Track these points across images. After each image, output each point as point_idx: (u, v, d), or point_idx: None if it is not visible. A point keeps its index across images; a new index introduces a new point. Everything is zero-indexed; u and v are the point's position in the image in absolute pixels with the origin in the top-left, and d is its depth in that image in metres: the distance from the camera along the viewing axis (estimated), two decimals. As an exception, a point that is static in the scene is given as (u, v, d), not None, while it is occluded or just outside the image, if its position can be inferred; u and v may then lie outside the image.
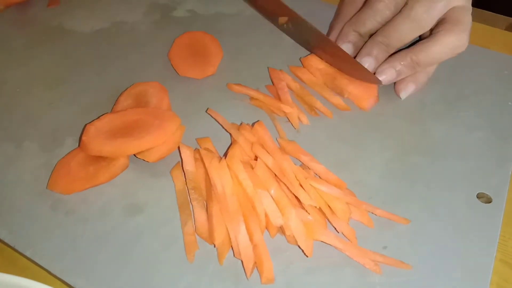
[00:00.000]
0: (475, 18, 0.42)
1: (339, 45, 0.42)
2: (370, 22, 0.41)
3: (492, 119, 0.40)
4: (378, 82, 0.40)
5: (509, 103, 0.41)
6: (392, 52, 0.40)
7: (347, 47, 0.42)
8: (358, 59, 0.40)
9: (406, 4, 0.40)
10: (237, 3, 0.52)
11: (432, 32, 0.40)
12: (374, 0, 0.41)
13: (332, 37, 0.44)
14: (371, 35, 0.41)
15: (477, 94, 0.42)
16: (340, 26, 0.44)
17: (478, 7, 0.54)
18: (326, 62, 0.43)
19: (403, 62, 0.39)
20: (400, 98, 0.41)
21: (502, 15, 0.53)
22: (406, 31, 0.39)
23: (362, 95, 0.40)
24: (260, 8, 0.50)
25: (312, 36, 0.43)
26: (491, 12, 0.53)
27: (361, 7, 0.43)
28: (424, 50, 0.39)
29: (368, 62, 0.40)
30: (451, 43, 0.39)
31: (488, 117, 0.40)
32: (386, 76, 0.40)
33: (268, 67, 0.44)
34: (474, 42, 0.47)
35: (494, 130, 0.39)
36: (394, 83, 0.42)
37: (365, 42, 0.42)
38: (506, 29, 0.51)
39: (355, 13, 0.43)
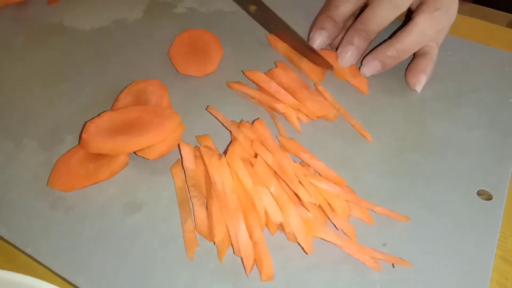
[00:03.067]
0: (475, 15, 0.42)
1: (313, 32, 0.43)
2: (343, 5, 0.42)
3: (493, 116, 0.40)
4: (330, 67, 0.42)
5: (510, 100, 0.41)
6: (373, 38, 0.41)
7: (321, 34, 0.43)
8: (340, 49, 0.42)
9: None
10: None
11: (411, 16, 0.41)
12: None
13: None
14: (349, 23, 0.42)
15: (478, 91, 0.42)
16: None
17: (478, 4, 0.54)
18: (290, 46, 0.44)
19: (388, 53, 0.40)
20: (417, 91, 0.42)
21: (502, 12, 0.53)
22: (383, 14, 0.40)
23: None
24: None
25: (275, 22, 0.45)
26: (491, 9, 0.53)
27: None
28: (405, 37, 0.40)
29: (350, 51, 0.41)
30: (427, 23, 0.40)
31: (488, 114, 0.40)
32: (371, 67, 0.41)
33: (242, 71, 0.43)
34: (475, 39, 0.47)
35: (494, 127, 0.39)
36: (406, 78, 0.42)
37: (341, 29, 0.43)
38: (506, 26, 0.51)
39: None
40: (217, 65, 0.44)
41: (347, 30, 0.42)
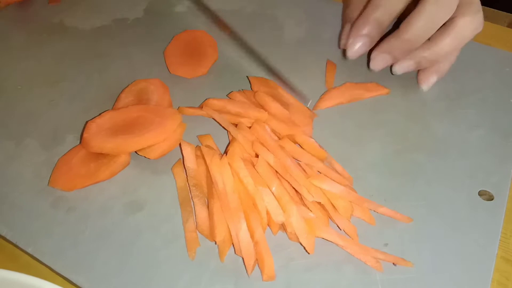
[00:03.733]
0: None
1: (354, 39, 0.39)
2: (392, 5, 0.38)
3: (494, 117, 0.40)
4: (301, 98, 0.40)
5: (511, 100, 0.41)
6: (414, 49, 0.38)
7: (363, 39, 0.39)
8: (376, 53, 0.39)
9: None
10: (237, 0, 0.52)
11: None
12: None
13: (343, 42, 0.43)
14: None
15: (479, 91, 0.42)
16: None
17: (480, 4, 0.54)
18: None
19: (424, 54, 0.38)
20: (423, 89, 0.41)
21: (504, 12, 0.53)
22: (424, 25, 0.36)
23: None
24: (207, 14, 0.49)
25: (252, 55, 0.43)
26: (493, 9, 0.53)
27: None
28: (444, 39, 0.37)
29: (385, 60, 0.39)
30: (468, 26, 0.37)
31: (489, 114, 0.40)
32: (404, 67, 0.40)
33: (230, 93, 0.41)
34: (476, 39, 0.47)
35: (495, 127, 0.39)
36: (418, 74, 0.42)
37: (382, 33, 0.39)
38: (508, 26, 0.51)
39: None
40: (215, 67, 0.44)
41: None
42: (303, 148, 0.35)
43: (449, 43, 0.38)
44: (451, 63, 0.41)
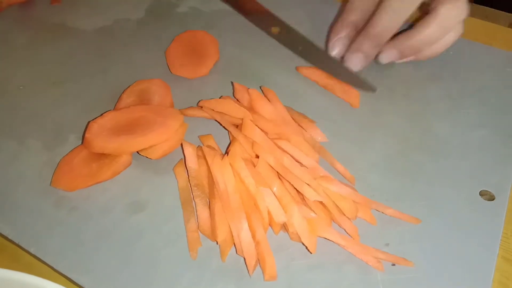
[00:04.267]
0: (477, 15, 0.42)
1: (332, 40, 0.42)
2: (361, 10, 0.41)
3: (495, 117, 0.40)
4: (366, 87, 0.41)
5: (512, 100, 0.41)
6: (382, 44, 0.40)
7: (341, 42, 0.42)
8: (348, 55, 0.41)
9: None
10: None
11: (429, 8, 0.40)
12: None
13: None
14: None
15: (480, 91, 0.42)
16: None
17: (480, 4, 0.54)
18: (319, 69, 0.43)
19: (408, 43, 0.40)
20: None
21: (504, 12, 0.53)
22: (392, 19, 0.39)
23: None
24: (249, 16, 0.49)
25: (302, 45, 0.44)
26: (493, 9, 0.53)
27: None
28: (426, 28, 0.39)
29: (359, 58, 0.40)
30: (449, 14, 0.39)
31: (491, 114, 0.40)
32: (389, 55, 0.41)
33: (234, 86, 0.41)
34: (477, 39, 0.47)
35: (497, 127, 0.39)
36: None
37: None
38: (508, 26, 0.51)
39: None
40: (216, 66, 0.44)
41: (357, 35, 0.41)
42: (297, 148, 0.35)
43: (432, 32, 0.39)
44: (437, 52, 0.41)
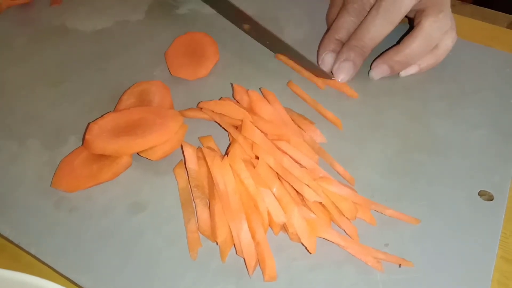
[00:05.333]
0: (476, 16, 0.43)
1: (322, 55, 0.43)
2: (347, 25, 0.43)
3: (494, 117, 0.40)
4: (324, 75, 0.42)
5: (511, 100, 0.41)
6: (368, 53, 0.42)
7: (331, 56, 0.43)
8: (336, 65, 0.42)
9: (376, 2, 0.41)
10: (239, 2, 0.52)
11: (414, 23, 0.42)
12: (348, 2, 0.43)
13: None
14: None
15: (479, 92, 0.42)
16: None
17: (479, 5, 0.54)
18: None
19: (396, 58, 0.41)
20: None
21: (503, 13, 0.53)
22: (377, 30, 0.41)
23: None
24: (223, 12, 0.50)
25: (273, 42, 0.45)
26: (492, 10, 0.53)
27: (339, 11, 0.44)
28: (412, 42, 0.40)
29: (346, 68, 0.42)
30: (432, 26, 0.40)
31: (490, 114, 0.40)
32: (380, 71, 0.42)
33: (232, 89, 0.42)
34: (476, 40, 0.47)
35: (496, 127, 0.39)
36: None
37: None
38: (507, 27, 0.51)
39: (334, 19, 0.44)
40: (217, 67, 0.44)
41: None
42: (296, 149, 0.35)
43: (418, 46, 0.41)
44: (406, 59, 0.42)
